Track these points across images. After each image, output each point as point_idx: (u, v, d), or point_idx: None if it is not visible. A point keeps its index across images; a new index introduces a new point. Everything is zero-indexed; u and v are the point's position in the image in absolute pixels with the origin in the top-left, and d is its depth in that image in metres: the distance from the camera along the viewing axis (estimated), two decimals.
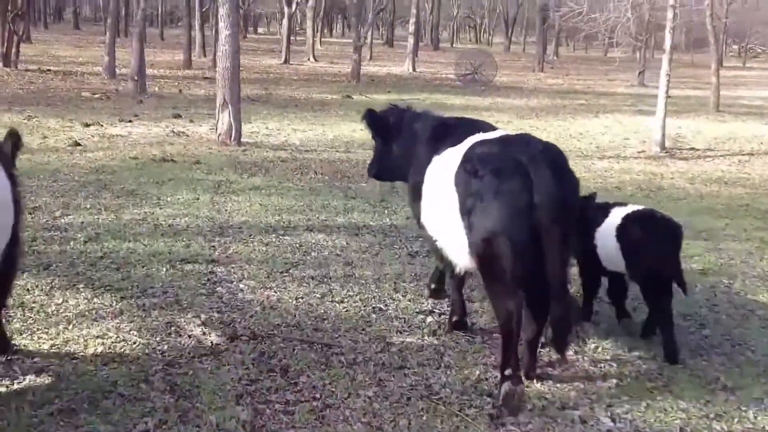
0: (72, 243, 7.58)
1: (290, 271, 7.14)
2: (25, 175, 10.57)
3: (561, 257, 4.64)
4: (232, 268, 7.15)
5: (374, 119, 6.32)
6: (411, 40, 37.84)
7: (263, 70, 33.34)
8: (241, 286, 6.67)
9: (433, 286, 6.53)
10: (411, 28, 38.84)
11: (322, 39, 53.96)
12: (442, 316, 6.11)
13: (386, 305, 6.33)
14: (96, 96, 21.36)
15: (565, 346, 4.98)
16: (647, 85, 31.96)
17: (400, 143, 6.15)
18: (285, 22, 40.11)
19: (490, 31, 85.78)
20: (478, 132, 5.38)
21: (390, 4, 49.88)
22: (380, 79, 32.36)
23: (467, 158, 4.91)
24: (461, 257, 5.01)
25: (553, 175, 4.60)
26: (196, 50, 35.70)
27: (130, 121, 17.06)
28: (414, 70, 36.82)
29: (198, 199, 9.92)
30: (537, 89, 31.51)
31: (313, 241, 8.18)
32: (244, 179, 11.52)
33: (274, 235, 8.35)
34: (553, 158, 4.73)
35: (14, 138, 4.92)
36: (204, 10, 37.59)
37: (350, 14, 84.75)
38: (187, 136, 15.67)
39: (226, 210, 9.41)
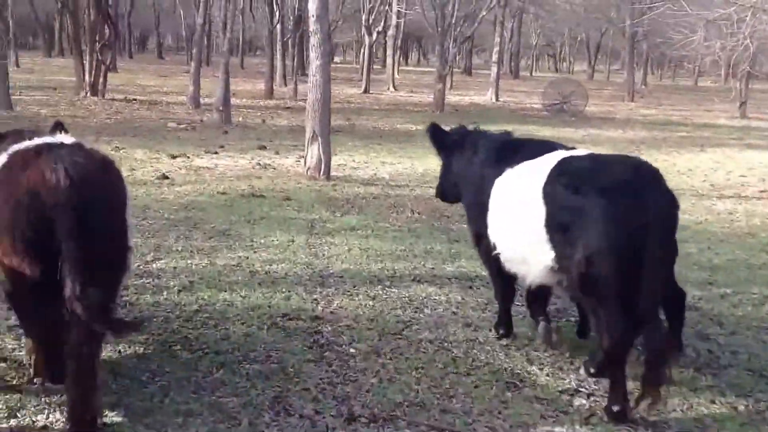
0: (165, 293, 6.97)
1: (404, 332, 6.36)
2: None
3: (660, 279, 4.63)
4: (339, 327, 6.40)
5: (438, 134, 6.41)
6: (494, 69, 36.96)
7: (344, 99, 32.93)
8: (352, 350, 5.90)
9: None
10: (494, 56, 38.00)
11: (399, 67, 53.54)
12: (591, 398, 5.21)
13: (521, 380, 5.46)
14: (182, 126, 21.18)
15: (662, 377, 4.62)
16: (750, 117, 30.38)
17: (463, 160, 6.17)
18: (365, 51, 39.78)
19: (570, 59, 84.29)
20: (556, 149, 5.45)
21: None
22: (463, 108, 31.58)
23: (562, 173, 4.92)
24: (538, 271, 5.11)
25: (663, 195, 4.67)
26: (277, 80, 35.57)
27: (216, 153, 16.70)
28: (497, 99, 35.94)
29: (293, 241, 9.27)
30: (630, 120, 30.18)
31: (424, 294, 7.39)
32: (338, 218, 10.86)
33: (379, 286, 7.60)
34: (657, 178, 4.77)
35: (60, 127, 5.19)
36: (285, 39, 37.50)
37: (426, 43, 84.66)
38: (274, 168, 15.17)
39: (323, 254, 8.72)
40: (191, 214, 10.44)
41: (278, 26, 35.64)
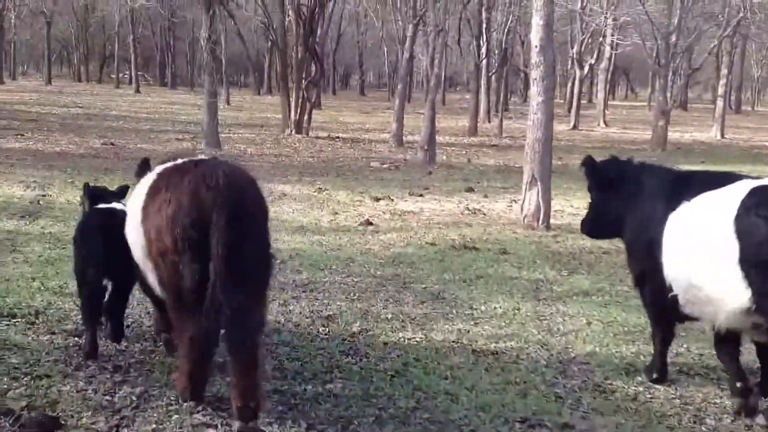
0: (374, 378, 5.72)
1: None
2: (317, 264, 9.29)
3: None
4: None
5: (594, 169, 6.11)
6: (719, 103, 33.78)
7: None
8: None
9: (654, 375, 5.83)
10: (720, 89, 34.75)
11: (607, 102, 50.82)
12: None
13: None
14: (384, 166, 20.43)
15: None
16: None
17: (625, 194, 5.81)
18: (575, 85, 37.80)
19: None
20: (741, 179, 5.04)
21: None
22: (686, 146, 28.88)
23: (757, 203, 4.54)
24: (729, 313, 4.76)
25: None
26: (481, 116, 34.42)
27: (421, 195, 15.66)
28: (723, 136, 32.71)
29: (518, 309, 7.81)
30: None
31: (700, 396, 5.65)
32: (566, 278, 9.31)
33: (637, 379, 5.94)
34: None
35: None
36: (490, 74, 36.33)
37: (635, 76, 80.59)
38: (484, 214, 13.86)
39: (558, 330, 7.18)
40: (399, 270, 9.27)
41: (484, 61, 34.55)
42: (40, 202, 12.28)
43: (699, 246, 4.87)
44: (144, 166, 5.51)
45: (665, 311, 5.49)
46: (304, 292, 7.97)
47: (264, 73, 61.51)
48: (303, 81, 26.96)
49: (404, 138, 25.69)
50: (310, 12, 26.88)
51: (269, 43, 39.58)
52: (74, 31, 63.87)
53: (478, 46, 34.55)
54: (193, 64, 65.13)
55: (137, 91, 51.07)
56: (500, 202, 15.35)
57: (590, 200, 6.39)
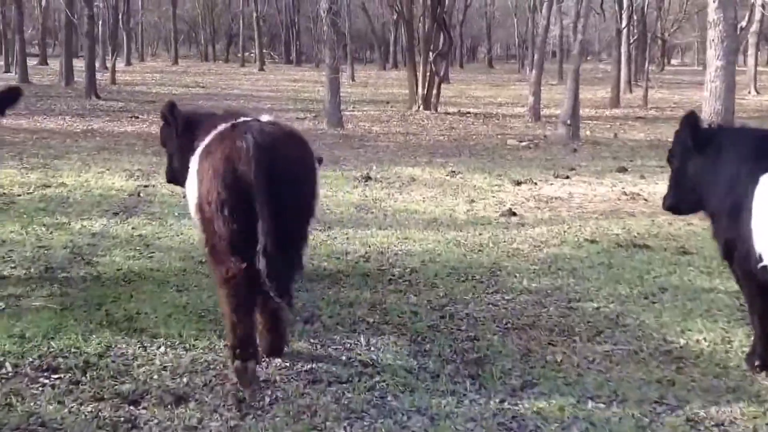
0: None
1: None
2: (457, 274, 7.57)
3: None
4: None
5: (696, 129, 5.37)
6: None
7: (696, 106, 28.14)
8: None
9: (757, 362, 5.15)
10: None
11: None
12: None
13: None
14: (523, 144, 18.39)
15: None
16: None
17: (706, 161, 5.26)
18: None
19: None
20: None
21: None
22: None
23: None
24: None
25: None
26: (621, 85, 31.58)
27: (567, 178, 13.63)
28: None
29: (729, 341, 5.82)
30: None
31: None
32: None
33: None
34: None
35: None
36: (633, 41, 33.32)
37: None
38: (645, 200, 11.74)
39: None
40: (560, 281, 7.38)
41: (625, 28, 31.67)
42: (140, 194, 11.11)
43: None
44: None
45: (760, 286, 4.92)
46: (442, 317, 6.24)
47: (389, 47, 60.01)
48: (431, 54, 25.12)
49: (541, 112, 23.50)
50: None
51: (394, 15, 37.88)
52: (200, 11, 64.34)
53: (620, 10, 31.64)
54: (316, 41, 64.38)
55: (261, 69, 50.71)
56: (660, 184, 13.06)
57: (674, 170, 5.65)
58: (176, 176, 5.80)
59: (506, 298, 6.81)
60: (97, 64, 42.46)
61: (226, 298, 4.67)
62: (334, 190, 11.97)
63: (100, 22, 39.87)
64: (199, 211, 4.78)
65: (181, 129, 5.57)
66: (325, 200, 10.86)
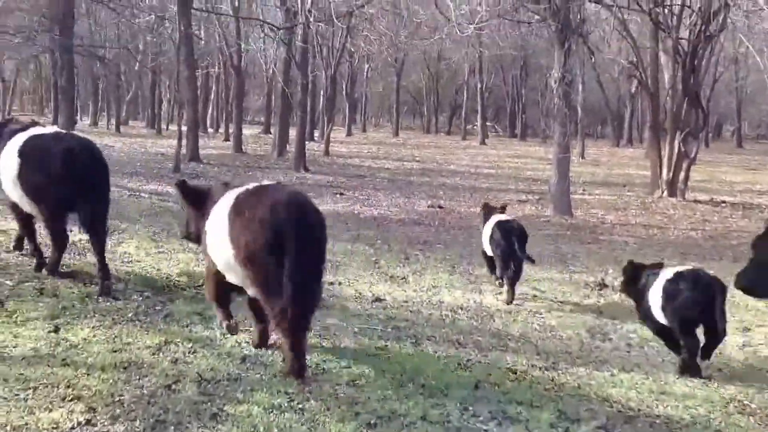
0: None
1: None
2: None
3: None
4: None
5: None
6: None
7: None
8: None
9: None
10: None
11: None
12: None
13: None
14: None
15: None
16: None
17: None
18: None
19: None
20: None
21: None
22: None
23: None
24: None
25: None
26: None
27: None
28: None
29: None
30: None
31: None
32: None
33: None
34: None
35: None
36: None
37: None
38: None
39: None
40: None
41: None
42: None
43: None
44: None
45: None
46: None
47: (624, 122, 55.84)
48: (679, 132, 21.41)
49: None
50: (692, 48, 21.31)
51: (633, 87, 34.27)
52: (425, 82, 63.75)
53: None
54: (544, 114, 61.43)
55: (483, 143, 48.47)
56: None
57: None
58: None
59: None
60: (315, 134, 42.71)
61: None
62: (560, 303, 9.08)
63: (322, 92, 39.64)
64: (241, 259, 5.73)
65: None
66: (547, 317, 8.35)
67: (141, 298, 7.29)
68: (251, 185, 5.97)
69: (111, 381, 5.14)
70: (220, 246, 5.75)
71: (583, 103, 38.37)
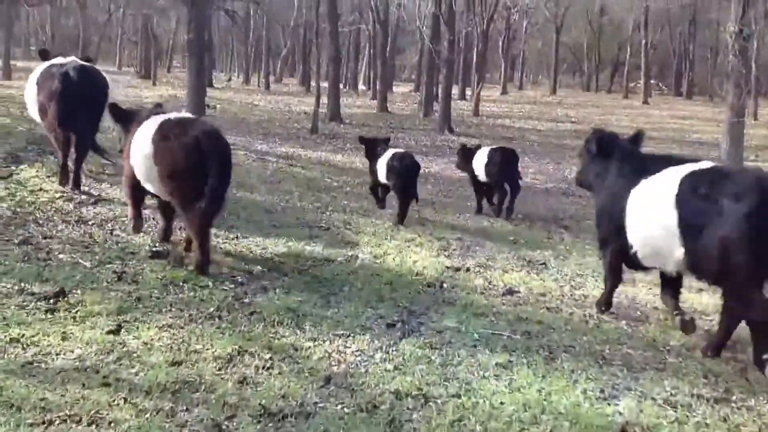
0: None
1: None
2: None
3: None
4: None
5: None
6: None
7: None
8: None
9: None
10: None
11: None
12: None
13: None
14: None
15: None
16: None
17: None
18: None
19: None
20: None
21: None
22: None
23: None
24: None
25: None
26: None
27: None
28: None
29: None
30: None
31: None
32: None
33: None
34: None
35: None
36: None
37: None
38: None
39: None
40: None
41: None
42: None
43: None
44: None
45: None
46: None
47: None
48: None
49: None
50: None
51: None
52: (586, 39, 60.42)
53: None
54: (712, 73, 56.67)
55: (645, 102, 45.13)
56: None
57: None
58: None
59: None
60: (468, 93, 41.13)
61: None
62: None
63: (475, 49, 37.97)
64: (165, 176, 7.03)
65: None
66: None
67: (232, 286, 6.42)
68: (173, 114, 7.22)
69: (149, 414, 4.11)
70: (142, 162, 6.91)
71: (757, 56, 34.43)
